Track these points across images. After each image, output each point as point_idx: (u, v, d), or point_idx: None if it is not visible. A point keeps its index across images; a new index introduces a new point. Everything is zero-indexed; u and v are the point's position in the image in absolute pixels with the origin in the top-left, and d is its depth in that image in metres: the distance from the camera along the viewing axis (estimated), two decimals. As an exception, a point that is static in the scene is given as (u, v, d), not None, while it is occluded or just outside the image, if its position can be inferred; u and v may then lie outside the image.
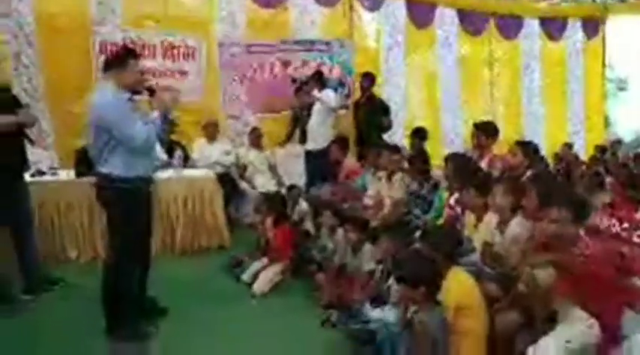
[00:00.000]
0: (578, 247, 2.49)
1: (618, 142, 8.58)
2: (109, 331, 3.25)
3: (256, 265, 4.36)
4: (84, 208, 4.79)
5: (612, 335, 2.34)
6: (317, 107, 6.04)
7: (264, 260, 4.40)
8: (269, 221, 4.51)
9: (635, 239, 2.94)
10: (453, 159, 4.29)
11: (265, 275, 4.19)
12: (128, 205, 3.16)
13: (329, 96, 5.98)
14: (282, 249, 4.35)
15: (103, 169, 3.13)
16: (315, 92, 5.97)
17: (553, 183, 3.55)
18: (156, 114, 3.18)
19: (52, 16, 5.91)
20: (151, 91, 3.27)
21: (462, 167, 4.02)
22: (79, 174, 4.84)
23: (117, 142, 3.04)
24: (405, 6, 7.39)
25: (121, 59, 3.13)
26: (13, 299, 3.79)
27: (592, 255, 2.45)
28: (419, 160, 4.86)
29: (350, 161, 5.99)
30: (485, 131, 4.70)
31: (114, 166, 3.09)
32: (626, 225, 3.03)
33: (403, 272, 2.70)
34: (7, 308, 3.68)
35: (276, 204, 4.60)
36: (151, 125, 3.13)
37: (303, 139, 6.38)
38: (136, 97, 3.23)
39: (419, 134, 5.97)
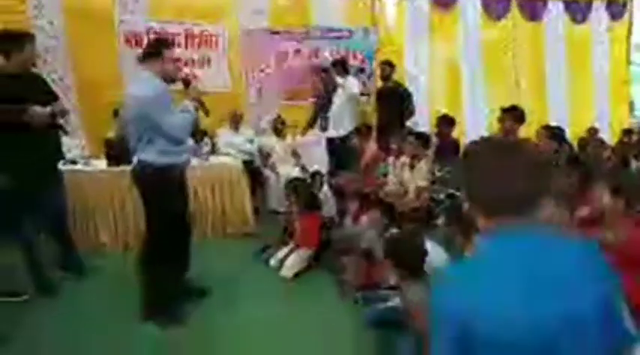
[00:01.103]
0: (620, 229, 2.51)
1: (644, 127, 8.42)
2: (147, 316, 3.35)
3: (283, 251, 4.43)
4: (115, 196, 4.90)
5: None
6: (339, 94, 6.07)
7: (291, 245, 4.48)
8: (295, 207, 4.57)
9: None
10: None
11: (292, 260, 4.28)
12: (165, 191, 3.25)
13: (351, 82, 6.00)
14: (309, 236, 4.40)
15: (141, 156, 3.22)
16: (338, 79, 5.99)
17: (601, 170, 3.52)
18: (190, 103, 3.28)
19: (77, 8, 6.02)
20: (186, 82, 3.37)
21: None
22: (110, 163, 4.95)
23: (155, 130, 3.12)
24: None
25: (155, 49, 3.20)
26: (52, 287, 3.91)
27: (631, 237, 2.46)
28: (448, 148, 4.85)
29: (372, 148, 6.01)
30: (513, 116, 4.69)
31: (152, 153, 3.18)
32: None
33: (389, 252, 2.89)
34: (47, 294, 3.81)
35: (303, 190, 4.65)
36: (188, 114, 3.24)
37: (324, 126, 6.42)
38: (172, 87, 3.30)
39: (445, 121, 5.92)
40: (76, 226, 4.71)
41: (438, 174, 4.62)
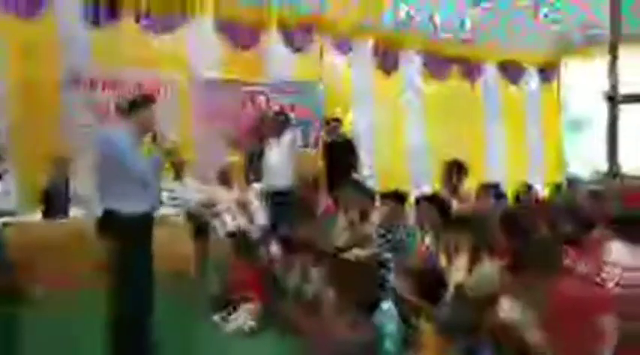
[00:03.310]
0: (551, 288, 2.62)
1: (574, 181, 8.92)
2: None
3: (229, 306, 4.31)
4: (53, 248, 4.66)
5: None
6: (279, 148, 6.14)
7: (236, 299, 4.36)
8: (236, 261, 4.51)
9: (598, 280, 3.07)
10: (425, 201, 4.40)
11: (238, 315, 4.16)
12: (136, 238, 3.22)
13: (291, 135, 6.12)
14: (253, 290, 4.32)
15: (107, 204, 3.21)
16: (271, 139, 6.08)
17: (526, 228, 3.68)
18: (158, 159, 3.33)
19: (23, 48, 5.85)
20: (154, 136, 3.38)
21: (433, 209, 4.13)
22: (45, 216, 4.73)
23: (122, 178, 3.16)
24: (373, 51, 7.67)
25: (135, 104, 3.29)
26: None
27: (562, 294, 2.56)
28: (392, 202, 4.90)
29: (326, 201, 6.05)
30: (456, 170, 4.87)
31: (117, 201, 3.18)
32: (590, 265, 3.16)
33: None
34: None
35: (242, 245, 4.60)
36: (154, 163, 3.29)
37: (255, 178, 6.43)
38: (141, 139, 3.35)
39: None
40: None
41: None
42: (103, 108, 6.27)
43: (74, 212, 5.19)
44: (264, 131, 6.38)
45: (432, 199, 4.50)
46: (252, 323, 4.14)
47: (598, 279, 3.03)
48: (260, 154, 6.26)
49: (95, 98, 6.32)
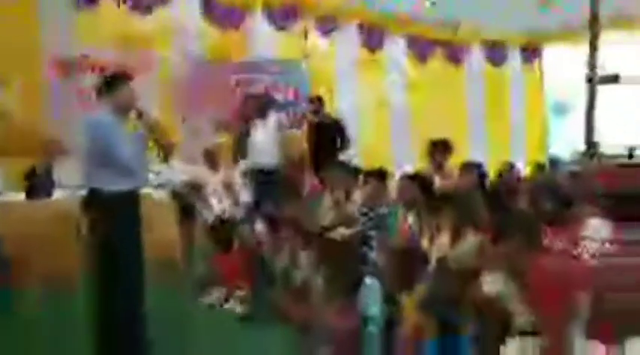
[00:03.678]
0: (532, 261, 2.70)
1: (556, 162, 9.07)
2: None
3: (215, 293, 4.32)
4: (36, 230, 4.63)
5: (559, 342, 2.52)
6: (264, 128, 6.15)
7: (223, 290, 4.37)
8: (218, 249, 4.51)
9: (576, 253, 3.16)
10: (407, 179, 4.45)
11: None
12: (120, 218, 3.24)
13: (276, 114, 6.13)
14: (237, 279, 4.34)
15: (98, 184, 3.22)
16: (256, 120, 6.08)
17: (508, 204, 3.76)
18: (142, 134, 3.31)
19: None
20: (139, 113, 3.36)
21: (416, 187, 4.19)
22: (28, 195, 4.70)
23: (106, 161, 3.16)
24: (358, 31, 7.66)
25: (113, 83, 3.28)
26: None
27: (543, 268, 2.64)
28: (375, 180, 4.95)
29: (312, 181, 6.09)
30: (441, 148, 4.92)
31: (104, 182, 3.19)
32: (566, 241, 3.25)
33: None
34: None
35: (222, 234, 4.59)
36: (140, 143, 3.28)
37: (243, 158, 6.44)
38: (125, 118, 3.35)
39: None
40: None
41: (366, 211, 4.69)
42: (87, 91, 6.19)
43: (57, 194, 5.15)
44: (250, 111, 6.38)
45: (415, 177, 4.56)
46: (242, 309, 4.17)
47: (575, 253, 3.12)
48: (246, 135, 6.29)
49: (80, 81, 6.24)
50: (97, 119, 3.29)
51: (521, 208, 3.88)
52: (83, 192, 3.48)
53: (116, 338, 3.24)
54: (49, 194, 5.12)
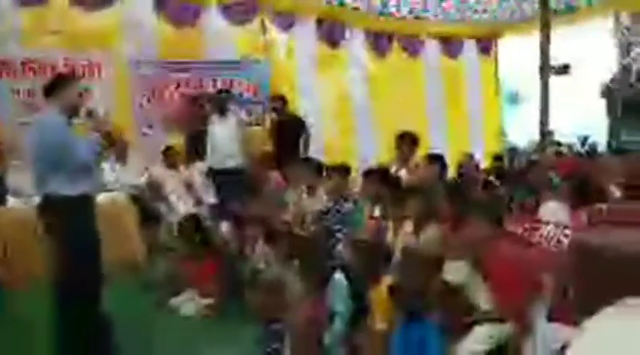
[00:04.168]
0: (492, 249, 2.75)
1: (514, 150, 9.33)
2: None
3: (184, 296, 4.22)
4: None
5: (524, 327, 2.58)
6: (224, 126, 6.08)
7: (192, 292, 4.28)
8: (187, 250, 4.42)
9: (536, 239, 3.24)
10: (372, 173, 4.48)
11: (194, 305, 4.12)
12: (77, 222, 3.18)
13: (231, 118, 6.06)
14: (205, 284, 4.24)
15: (48, 189, 3.15)
16: (214, 118, 6.00)
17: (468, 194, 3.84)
18: (94, 135, 3.26)
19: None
20: (89, 113, 3.33)
21: (380, 180, 4.22)
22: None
23: (60, 163, 3.09)
24: (316, 26, 7.64)
25: (59, 84, 3.23)
26: None
27: (503, 255, 2.70)
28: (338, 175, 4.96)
29: (275, 176, 6.05)
30: (408, 141, 4.97)
31: (59, 186, 3.12)
32: (526, 225, 3.33)
33: None
34: None
35: (193, 234, 4.50)
36: (92, 145, 3.21)
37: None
38: (74, 120, 3.30)
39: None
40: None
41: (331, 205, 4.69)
42: (32, 94, 5.97)
43: (12, 202, 4.96)
44: (207, 110, 6.29)
45: (378, 171, 4.60)
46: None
47: (535, 239, 3.20)
48: (202, 134, 6.19)
49: (24, 83, 6.00)
50: (48, 119, 3.21)
51: (481, 196, 3.95)
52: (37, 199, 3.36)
53: (76, 342, 3.17)
54: (2, 201, 4.94)
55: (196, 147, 6.33)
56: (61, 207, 3.15)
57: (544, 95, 6.77)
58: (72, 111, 3.25)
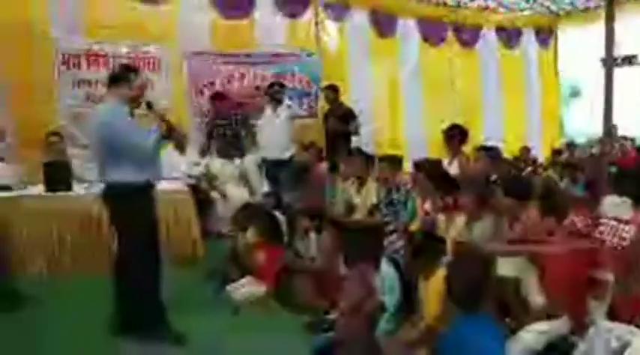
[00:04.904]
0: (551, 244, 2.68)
1: (573, 145, 8.99)
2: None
3: (242, 282, 4.30)
4: (53, 223, 4.71)
5: (581, 324, 2.51)
6: (276, 118, 6.16)
7: (249, 278, 4.35)
8: (250, 234, 4.47)
9: (597, 235, 3.14)
10: (423, 164, 4.44)
11: (250, 292, 4.15)
12: (138, 210, 3.29)
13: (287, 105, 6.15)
14: (268, 270, 4.20)
15: (110, 177, 3.27)
16: (268, 112, 6.10)
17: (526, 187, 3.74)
18: (154, 125, 3.34)
19: (10, 28, 5.78)
20: (149, 104, 3.41)
21: (431, 172, 4.18)
22: (48, 189, 4.77)
23: (121, 152, 3.19)
24: (369, 16, 7.60)
25: (124, 74, 3.32)
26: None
27: (563, 250, 2.62)
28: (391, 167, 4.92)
29: (320, 167, 6.10)
30: (456, 135, 4.90)
31: (120, 174, 3.23)
32: (587, 221, 3.23)
33: None
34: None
35: (264, 218, 4.54)
36: (153, 135, 3.29)
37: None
38: (136, 111, 3.40)
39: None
40: (10, 253, 4.48)
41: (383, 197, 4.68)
42: (94, 85, 6.25)
43: (77, 188, 5.20)
44: (261, 102, 6.40)
45: (430, 163, 4.56)
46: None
47: (595, 235, 3.10)
48: (254, 125, 6.31)
49: (87, 75, 6.29)
50: (111, 109, 3.30)
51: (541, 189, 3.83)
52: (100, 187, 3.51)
53: (134, 327, 3.31)
54: (68, 187, 5.15)
55: (252, 138, 6.45)
56: (123, 194, 3.26)
57: (608, 87, 6.47)
58: (134, 102, 3.34)
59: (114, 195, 3.31)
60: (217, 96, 6.50)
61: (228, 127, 6.46)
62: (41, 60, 5.97)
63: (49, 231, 4.71)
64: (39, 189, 4.84)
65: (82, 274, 4.54)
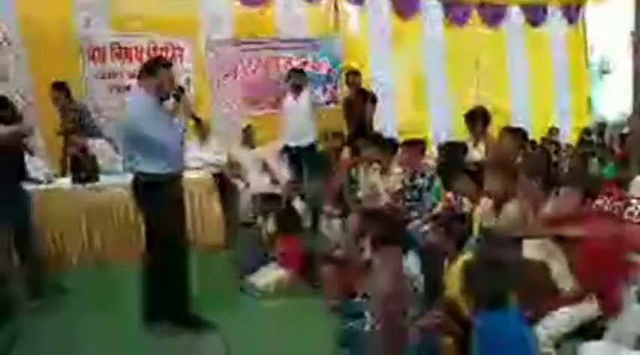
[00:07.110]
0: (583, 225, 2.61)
1: (603, 125, 8.74)
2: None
3: (265, 270, 4.34)
4: (82, 214, 4.82)
5: (613, 307, 2.45)
6: (298, 105, 6.14)
7: (273, 265, 4.39)
8: (271, 224, 4.50)
9: (626, 216, 3.04)
10: (446, 147, 4.37)
11: (273, 279, 4.17)
12: (165, 200, 3.33)
13: (305, 97, 6.13)
14: (290, 259, 4.25)
15: (139, 167, 3.33)
16: (289, 99, 6.09)
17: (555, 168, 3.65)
18: (182, 118, 3.39)
19: (36, 23, 5.89)
20: (177, 97, 3.42)
21: (454, 155, 4.11)
22: (74, 181, 4.86)
23: (149, 147, 3.24)
24: (389, -1, 7.49)
25: (151, 67, 3.33)
26: (16, 306, 3.79)
27: (594, 232, 2.55)
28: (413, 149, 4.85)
29: (346, 154, 6.07)
30: (478, 118, 4.80)
31: (147, 165, 3.28)
32: (617, 203, 3.13)
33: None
34: (10, 316, 3.68)
35: (283, 210, 4.56)
36: (180, 126, 3.35)
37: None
38: (164, 102, 3.41)
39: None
40: (42, 245, 4.58)
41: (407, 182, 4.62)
42: (119, 77, 6.34)
43: (103, 179, 5.29)
44: (282, 89, 6.38)
45: (454, 145, 4.48)
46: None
47: (625, 216, 3.01)
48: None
49: (112, 67, 6.37)
50: (139, 100, 3.33)
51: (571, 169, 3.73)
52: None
53: (161, 314, 3.37)
54: (96, 178, 5.24)
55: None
56: (150, 185, 3.31)
57: (637, 61, 6.23)
58: (162, 94, 3.35)
59: (144, 183, 3.35)
60: None
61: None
62: (67, 54, 6.07)
63: (78, 223, 4.81)
64: (66, 181, 4.94)
65: (114, 264, 4.66)
